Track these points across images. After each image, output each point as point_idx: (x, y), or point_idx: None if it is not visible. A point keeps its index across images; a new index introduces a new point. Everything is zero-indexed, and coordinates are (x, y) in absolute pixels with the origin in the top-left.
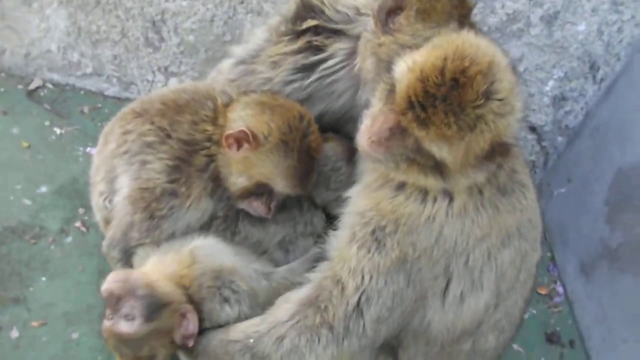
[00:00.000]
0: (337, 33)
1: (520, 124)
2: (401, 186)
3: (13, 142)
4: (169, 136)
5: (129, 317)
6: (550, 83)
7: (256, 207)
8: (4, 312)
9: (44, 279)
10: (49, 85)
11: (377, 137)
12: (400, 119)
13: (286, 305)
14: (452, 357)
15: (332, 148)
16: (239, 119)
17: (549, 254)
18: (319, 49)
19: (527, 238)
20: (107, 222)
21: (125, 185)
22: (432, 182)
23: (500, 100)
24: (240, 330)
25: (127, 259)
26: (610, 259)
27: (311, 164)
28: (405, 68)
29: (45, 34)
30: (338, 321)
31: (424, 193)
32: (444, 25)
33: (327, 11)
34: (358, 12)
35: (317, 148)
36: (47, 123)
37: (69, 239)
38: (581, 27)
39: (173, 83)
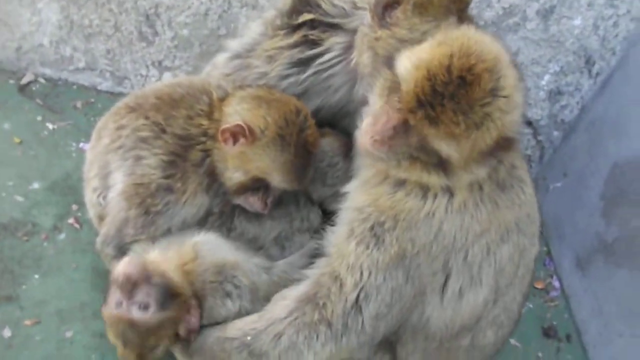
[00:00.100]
0: (334, 27)
1: (520, 118)
2: (401, 182)
3: (4, 138)
4: (163, 131)
5: (143, 305)
6: (546, 77)
7: (252, 202)
8: None
9: (36, 276)
10: (41, 80)
11: (380, 136)
12: (408, 117)
13: (284, 302)
14: (451, 353)
15: (328, 143)
16: (235, 113)
17: (545, 248)
18: (315, 43)
19: (525, 233)
20: (101, 218)
21: (119, 181)
22: (435, 179)
23: (505, 97)
24: (237, 328)
25: (121, 255)
26: (606, 253)
27: (308, 158)
28: (410, 65)
29: (37, 28)
30: (336, 318)
31: (425, 189)
32: (441, 20)
33: (323, 5)
34: (355, 5)
35: (314, 142)
36: (39, 118)
37: (62, 236)
38: (577, 22)
39: (167, 77)
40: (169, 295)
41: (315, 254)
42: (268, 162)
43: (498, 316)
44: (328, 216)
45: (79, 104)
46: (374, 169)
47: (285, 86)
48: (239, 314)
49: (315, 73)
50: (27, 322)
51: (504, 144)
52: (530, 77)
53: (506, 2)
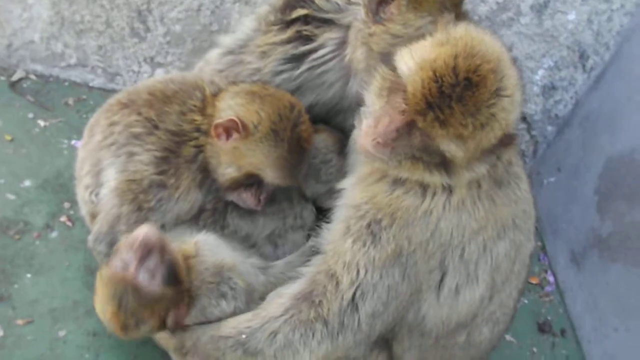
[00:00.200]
0: (327, 22)
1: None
2: (399, 181)
3: None
4: (156, 127)
5: (150, 272)
6: (540, 72)
7: (245, 198)
8: None
9: (29, 275)
10: (32, 77)
11: (383, 138)
12: (416, 119)
13: (279, 300)
14: (447, 350)
15: (322, 140)
16: (228, 108)
17: (539, 243)
18: (308, 39)
19: (521, 229)
20: (93, 216)
21: (111, 177)
22: (437, 179)
23: (509, 96)
24: (232, 326)
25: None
26: (601, 248)
27: (302, 154)
28: (414, 65)
29: (27, 24)
30: (333, 316)
31: (424, 187)
32: (436, 15)
33: (316, 0)
34: (348, 1)
35: (308, 138)
36: (30, 115)
37: (55, 234)
38: (571, 16)
39: (159, 74)
40: (174, 276)
41: (314, 252)
42: (261, 158)
43: (494, 313)
44: (322, 213)
45: (70, 101)
46: (370, 166)
47: (278, 82)
48: (233, 315)
49: (309, 69)
50: (20, 322)
51: (505, 141)
52: (524, 72)
53: None
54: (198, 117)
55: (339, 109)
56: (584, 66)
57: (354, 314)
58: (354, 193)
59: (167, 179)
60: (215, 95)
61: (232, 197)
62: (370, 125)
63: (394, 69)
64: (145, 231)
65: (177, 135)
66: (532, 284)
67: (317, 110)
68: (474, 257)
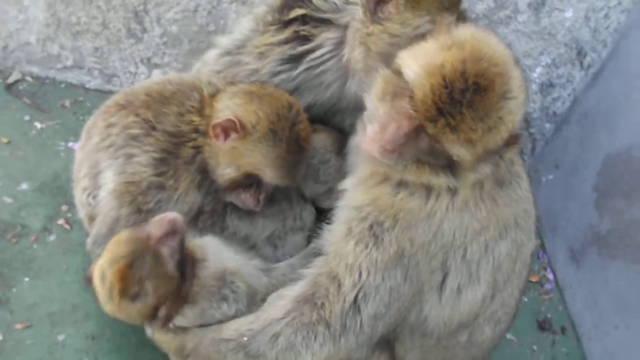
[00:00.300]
0: (325, 22)
1: None
2: (403, 183)
3: None
4: (154, 128)
5: (169, 251)
6: (538, 70)
7: (244, 199)
8: None
9: (27, 279)
10: (29, 79)
11: (392, 145)
12: (426, 125)
13: (281, 302)
14: (449, 350)
15: (320, 140)
16: (227, 108)
17: (538, 241)
18: (306, 39)
19: (523, 229)
20: (92, 218)
21: (110, 180)
22: (443, 181)
23: (514, 98)
24: (233, 329)
25: None
26: (600, 245)
27: (300, 154)
28: (421, 70)
29: (23, 26)
30: (335, 318)
31: (428, 190)
32: (434, 14)
33: (314, 0)
34: (346, 1)
35: (307, 138)
36: (27, 118)
37: (52, 237)
38: (568, 14)
39: (156, 75)
40: (184, 267)
41: (314, 255)
42: (260, 158)
43: (495, 312)
44: (321, 214)
45: (67, 103)
46: (372, 167)
47: (276, 83)
48: (235, 317)
49: (306, 69)
50: (18, 326)
51: (510, 141)
52: (521, 70)
53: None
54: (196, 118)
55: (337, 109)
56: (581, 63)
57: (356, 315)
58: (356, 195)
59: (166, 180)
60: (213, 96)
61: (231, 197)
62: (376, 131)
63: (397, 72)
64: (175, 214)
65: (175, 136)
66: (531, 282)
67: (315, 111)
68: (476, 257)
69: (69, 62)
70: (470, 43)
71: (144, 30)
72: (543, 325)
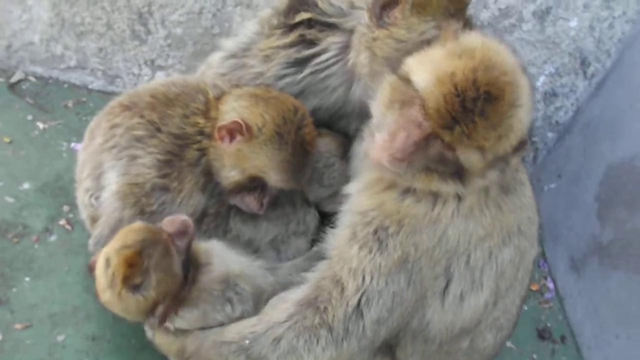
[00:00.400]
0: (331, 27)
1: None
2: (410, 190)
3: None
4: (159, 130)
5: (178, 249)
6: (542, 79)
7: (248, 202)
8: None
9: (27, 279)
10: (32, 79)
11: (402, 154)
12: (440, 133)
13: (283, 306)
14: (450, 356)
15: (325, 144)
16: (232, 110)
17: (539, 250)
18: (312, 43)
19: (526, 236)
20: (94, 220)
21: (113, 181)
22: (451, 188)
23: (523, 105)
24: (235, 332)
25: None
26: (601, 254)
27: (305, 157)
28: (432, 79)
29: (27, 26)
30: (337, 322)
31: (435, 196)
32: (439, 20)
33: (320, 4)
34: (352, 5)
35: (312, 141)
36: (29, 117)
37: (54, 238)
38: (573, 23)
39: (160, 77)
40: (187, 269)
41: (319, 257)
42: (265, 161)
43: (497, 319)
44: (325, 218)
45: (70, 103)
46: (378, 173)
47: (281, 86)
48: (241, 318)
49: (312, 73)
50: (18, 326)
51: (518, 147)
52: None
53: (502, 3)
54: (201, 120)
55: (342, 113)
56: (585, 73)
57: (358, 320)
58: (361, 199)
59: (170, 182)
60: (218, 98)
61: (235, 200)
62: (385, 140)
63: (405, 79)
64: (186, 217)
65: (180, 138)
66: (532, 290)
67: (320, 115)
68: (479, 263)
69: (73, 63)
70: (480, 51)
71: (148, 32)
72: (543, 334)
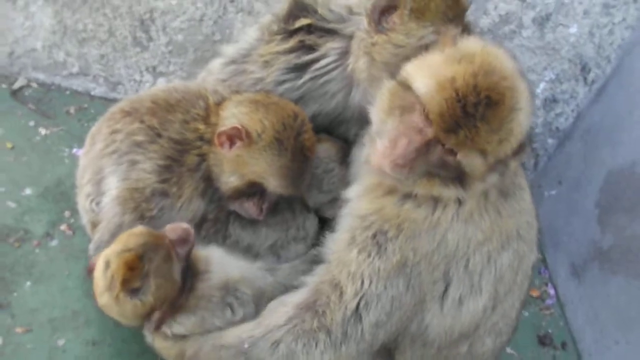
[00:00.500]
0: (330, 32)
1: None
2: (410, 195)
3: None
4: (159, 135)
5: (179, 256)
6: (542, 85)
7: (248, 208)
8: None
9: (28, 283)
10: (34, 85)
11: (403, 160)
12: (442, 138)
13: (282, 309)
14: None
15: (324, 150)
16: (232, 116)
17: (540, 256)
18: (311, 49)
19: (525, 240)
20: (94, 225)
21: (113, 186)
22: (452, 193)
23: (522, 109)
24: (234, 335)
25: None
26: (602, 260)
27: (305, 163)
28: (433, 85)
29: (30, 32)
30: (336, 326)
31: (435, 201)
32: (438, 25)
33: (320, 10)
34: (351, 11)
35: (311, 147)
36: (31, 123)
37: (55, 243)
38: (573, 29)
39: (161, 83)
40: (185, 277)
41: (317, 260)
42: (264, 166)
43: (496, 323)
44: (324, 224)
45: (72, 110)
46: (378, 178)
47: (281, 92)
48: (243, 321)
49: (311, 79)
50: (19, 330)
51: (517, 151)
52: None
53: (502, 9)
54: (201, 126)
55: (341, 119)
56: (585, 79)
57: (357, 324)
58: (360, 204)
59: (170, 187)
60: (218, 104)
61: (234, 206)
62: (386, 146)
63: (405, 85)
64: (188, 225)
65: (180, 143)
66: (532, 296)
67: (320, 120)
68: (478, 268)
69: (75, 69)
70: (480, 56)
71: (150, 39)
72: (544, 341)
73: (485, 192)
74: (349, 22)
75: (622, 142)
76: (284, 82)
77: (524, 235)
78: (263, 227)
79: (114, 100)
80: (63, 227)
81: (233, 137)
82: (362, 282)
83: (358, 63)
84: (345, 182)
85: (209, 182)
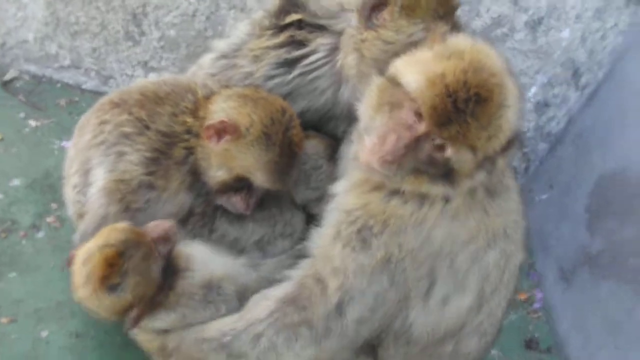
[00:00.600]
0: (320, 28)
1: None
2: (398, 191)
3: None
4: (147, 127)
5: (159, 254)
6: (533, 89)
7: (235, 202)
8: None
9: (14, 274)
10: (25, 77)
11: (392, 156)
12: (437, 131)
13: (265, 303)
14: (433, 359)
15: (313, 146)
16: (220, 110)
17: (529, 260)
18: (301, 44)
19: (512, 239)
20: (81, 216)
21: (100, 177)
22: (440, 190)
23: (511, 106)
24: (216, 328)
25: None
26: (591, 265)
27: (293, 158)
28: (424, 81)
29: (22, 24)
30: (318, 320)
31: (422, 197)
32: (428, 22)
33: (310, 6)
34: (342, 7)
35: (299, 143)
36: (22, 115)
37: (41, 234)
38: (565, 34)
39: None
40: (166, 274)
41: (302, 255)
42: (252, 161)
43: (482, 323)
44: (311, 219)
45: (62, 102)
46: (366, 174)
47: (270, 87)
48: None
49: (301, 74)
50: (3, 320)
51: (505, 147)
52: None
53: (495, 12)
54: (189, 119)
55: (330, 115)
56: (577, 84)
57: (340, 319)
58: (347, 199)
59: (156, 180)
60: (207, 97)
61: (221, 200)
62: (375, 143)
63: (394, 82)
64: (172, 223)
65: (167, 136)
66: (520, 300)
67: (308, 117)
68: (464, 266)
69: (66, 62)
70: (469, 53)
71: (142, 33)
72: (530, 345)
73: (472, 190)
74: (340, 19)
75: (613, 147)
76: (273, 77)
77: (511, 234)
78: (250, 222)
79: (104, 94)
80: (50, 219)
81: (221, 130)
82: (346, 277)
83: (347, 59)
84: (333, 179)
85: (196, 175)
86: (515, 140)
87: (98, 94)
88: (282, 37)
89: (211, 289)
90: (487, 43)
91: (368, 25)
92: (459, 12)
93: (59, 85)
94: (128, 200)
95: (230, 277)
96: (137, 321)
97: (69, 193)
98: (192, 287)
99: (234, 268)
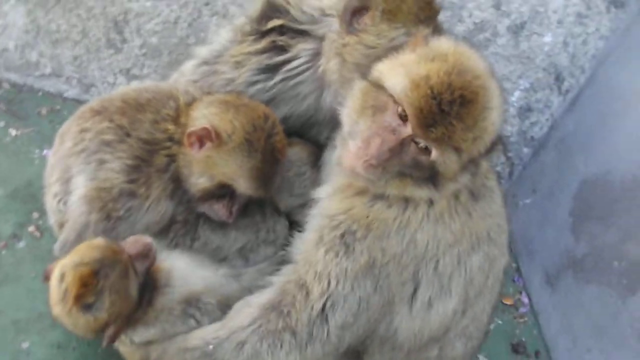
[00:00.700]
0: (302, 34)
1: None
2: (382, 195)
3: None
4: (128, 135)
5: (135, 273)
6: (517, 94)
7: (217, 210)
8: None
9: None
10: (6, 85)
11: (377, 160)
12: (419, 135)
13: (247, 310)
14: None
15: (296, 153)
16: (202, 117)
17: (514, 265)
18: (283, 49)
19: (496, 243)
20: (62, 225)
21: (81, 185)
22: (424, 193)
23: (495, 108)
24: (199, 337)
25: None
26: (575, 269)
27: (275, 165)
28: (408, 83)
29: (2, 32)
30: (301, 326)
31: (406, 201)
32: (410, 27)
33: (292, 11)
34: (323, 12)
35: (282, 149)
36: (2, 124)
37: (22, 244)
38: (547, 39)
39: None
40: (143, 292)
41: (284, 261)
42: (234, 168)
43: (467, 327)
44: (294, 227)
45: (43, 111)
46: (349, 178)
47: (252, 93)
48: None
49: (282, 80)
50: None
51: (489, 149)
52: None
53: (477, 17)
54: (171, 126)
55: (313, 121)
56: (559, 88)
57: (323, 325)
58: (330, 203)
59: (138, 188)
60: (189, 104)
61: (203, 208)
62: (359, 147)
63: (377, 85)
64: (150, 239)
65: (149, 143)
66: (506, 305)
67: (291, 123)
68: (448, 270)
69: (48, 70)
70: (452, 55)
71: (124, 41)
72: (517, 349)
73: (456, 194)
74: (321, 24)
75: (596, 151)
76: (255, 82)
77: (495, 238)
78: (232, 229)
79: (86, 103)
80: (31, 228)
81: (203, 137)
82: (329, 283)
83: (329, 64)
84: (317, 186)
85: (178, 183)
86: (498, 142)
87: (80, 102)
88: (264, 43)
89: (190, 303)
90: (469, 46)
91: (349, 30)
92: (440, 16)
93: (40, 93)
94: (109, 208)
95: (211, 290)
96: (113, 339)
97: (50, 202)
98: (171, 302)
99: (215, 279)
